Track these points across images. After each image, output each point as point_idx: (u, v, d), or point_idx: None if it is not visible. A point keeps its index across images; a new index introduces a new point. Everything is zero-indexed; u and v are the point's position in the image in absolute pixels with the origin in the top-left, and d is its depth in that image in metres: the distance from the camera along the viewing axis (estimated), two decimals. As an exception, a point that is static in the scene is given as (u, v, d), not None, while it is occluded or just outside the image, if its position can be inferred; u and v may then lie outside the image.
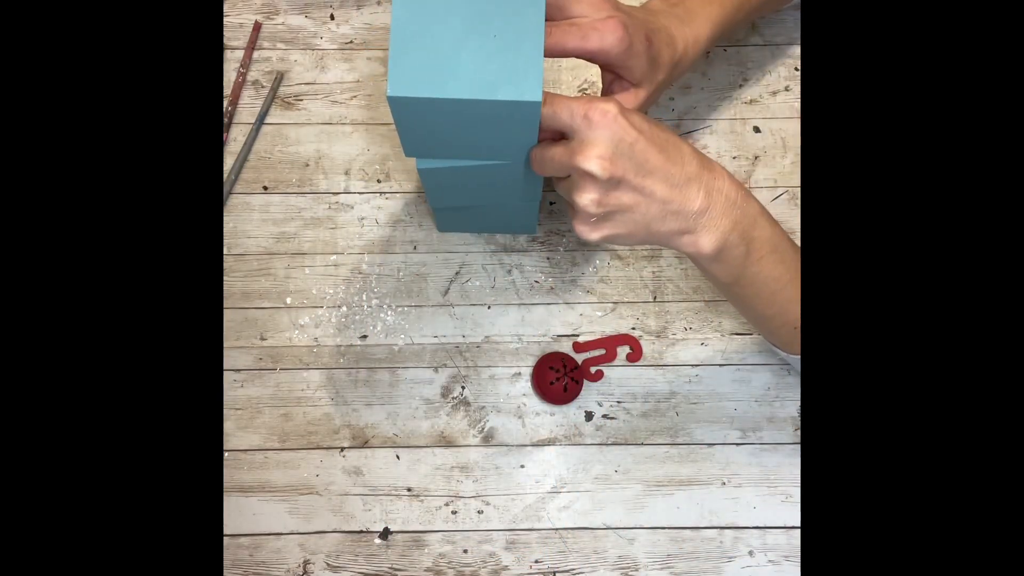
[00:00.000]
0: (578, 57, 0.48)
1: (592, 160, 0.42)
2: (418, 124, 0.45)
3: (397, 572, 0.61)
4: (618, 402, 0.64)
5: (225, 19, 0.71)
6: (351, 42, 0.71)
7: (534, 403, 0.64)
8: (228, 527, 0.62)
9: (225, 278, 0.66)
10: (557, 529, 0.62)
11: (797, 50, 0.71)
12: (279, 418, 0.64)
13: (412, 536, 0.62)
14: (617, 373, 0.65)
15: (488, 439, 0.64)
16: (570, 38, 0.46)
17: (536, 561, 0.61)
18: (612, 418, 0.64)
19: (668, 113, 0.70)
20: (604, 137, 0.42)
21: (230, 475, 0.63)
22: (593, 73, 0.71)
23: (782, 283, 0.49)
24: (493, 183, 0.54)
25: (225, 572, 0.61)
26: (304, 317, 0.66)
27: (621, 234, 0.46)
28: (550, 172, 0.46)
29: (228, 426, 0.64)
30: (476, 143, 0.48)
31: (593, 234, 0.45)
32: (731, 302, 0.55)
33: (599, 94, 0.57)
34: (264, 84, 0.70)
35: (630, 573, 0.61)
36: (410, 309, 0.66)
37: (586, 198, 0.43)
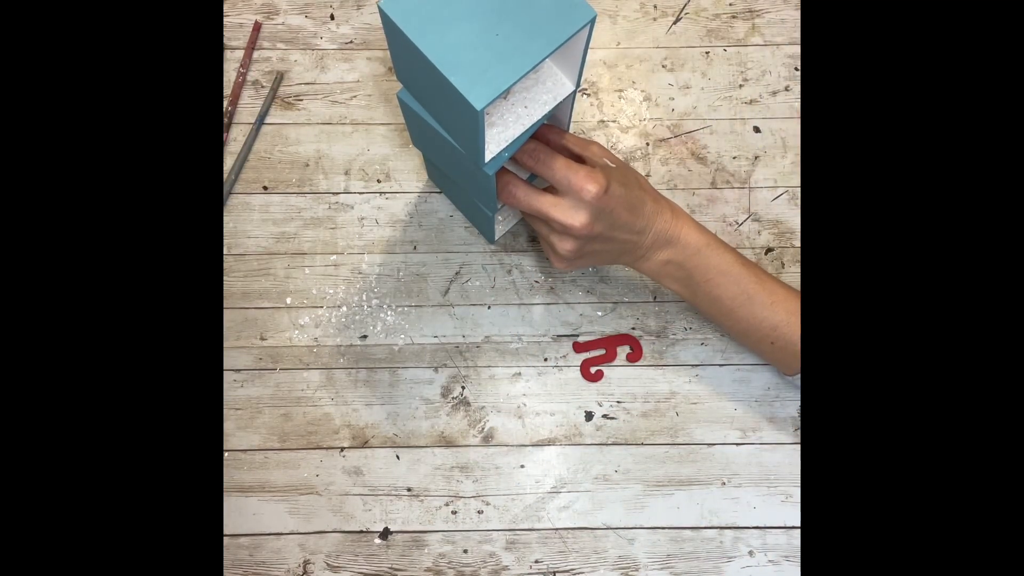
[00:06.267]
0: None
1: (577, 224, 0.50)
2: (398, 50, 0.46)
3: (397, 572, 0.61)
4: (618, 402, 0.64)
5: (225, 19, 0.71)
6: (351, 42, 0.72)
7: (534, 403, 0.64)
8: (228, 527, 0.62)
9: (225, 278, 0.66)
10: (557, 529, 0.62)
11: (797, 50, 0.71)
12: (279, 418, 0.64)
13: (412, 536, 0.62)
14: (617, 373, 0.65)
15: (488, 439, 0.64)
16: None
17: (536, 561, 0.61)
18: (612, 418, 0.64)
19: (669, 113, 0.70)
20: (590, 207, 0.50)
21: (230, 475, 0.63)
22: (593, 73, 0.71)
23: (738, 302, 0.55)
24: (456, 164, 0.54)
25: (225, 572, 0.61)
26: (304, 317, 0.66)
27: (587, 265, 0.56)
28: (528, 212, 0.53)
29: (228, 426, 0.64)
30: (440, 110, 0.48)
31: (567, 268, 0.56)
32: (719, 327, 0.64)
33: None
34: (264, 84, 0.70)
35: (630, 573, 0.61)
36: (410, 309, 0.66)
37: (566, 246, 0.52)
